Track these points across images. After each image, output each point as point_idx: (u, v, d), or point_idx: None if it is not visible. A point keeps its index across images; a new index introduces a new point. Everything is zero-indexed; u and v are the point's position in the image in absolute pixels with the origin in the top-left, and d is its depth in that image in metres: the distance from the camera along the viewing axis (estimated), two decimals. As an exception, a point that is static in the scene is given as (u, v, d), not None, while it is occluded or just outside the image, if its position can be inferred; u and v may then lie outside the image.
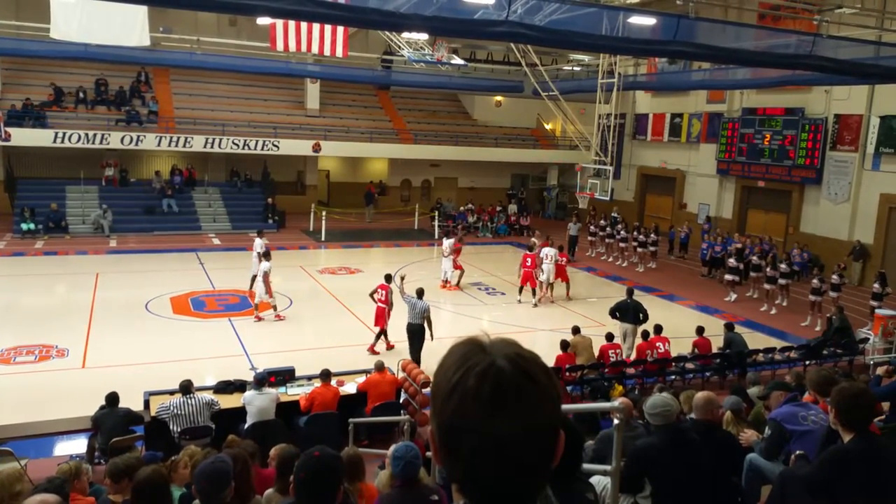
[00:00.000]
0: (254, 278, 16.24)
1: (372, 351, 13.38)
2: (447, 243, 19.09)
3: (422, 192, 33.75)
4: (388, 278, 14.07)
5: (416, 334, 12.49)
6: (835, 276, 17.20)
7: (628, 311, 13.60)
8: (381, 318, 13.58)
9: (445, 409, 1.17)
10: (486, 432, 1.13)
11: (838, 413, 3.61)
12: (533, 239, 19.84)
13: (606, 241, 25.03)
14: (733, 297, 19.03)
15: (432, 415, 1.23)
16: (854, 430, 3.56)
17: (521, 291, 18.07)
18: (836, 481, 3.49)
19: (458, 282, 19.16)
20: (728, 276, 19.48)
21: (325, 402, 9.40)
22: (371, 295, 13.73)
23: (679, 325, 13.50)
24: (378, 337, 13.66)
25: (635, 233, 23.50)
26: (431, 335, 12.48)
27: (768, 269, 18.36)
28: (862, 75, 14.76)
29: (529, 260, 17.94)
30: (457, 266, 19.11)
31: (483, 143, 31.90)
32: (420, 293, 12.74)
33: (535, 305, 17.73)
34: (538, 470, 1.19)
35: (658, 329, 12.85)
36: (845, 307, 15.71)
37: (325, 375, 9.65)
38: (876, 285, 16.71)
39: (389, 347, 13.61)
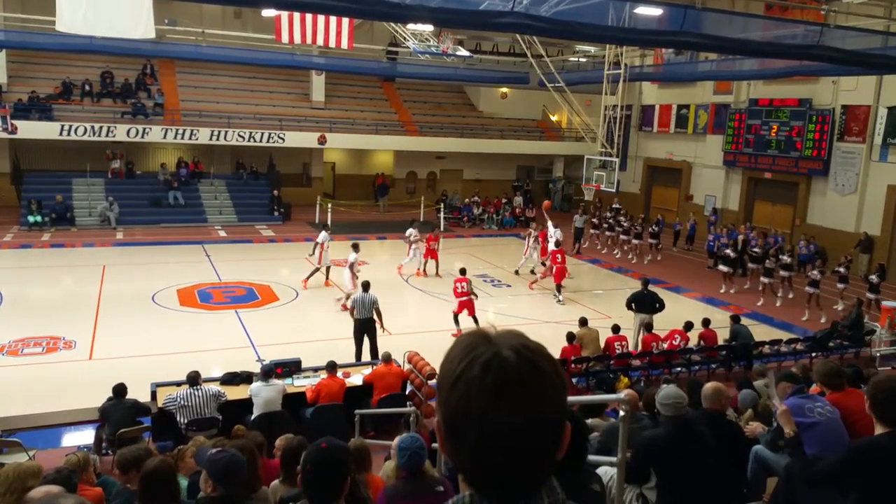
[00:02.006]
0: (328, 269, 17.55)
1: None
2: (410, 231, 19.65)
3: (427, 185, 33.72)
4: (463, 271, 15.01)
5: (364, 328, 12.28)
6: (841, 269, 17.12)
7: (645, 302, 13.62)
8: (463, 306, 14.25)
9: (450, 398, 1.18)
10: (490, 421, 1.14)
11: (873, 405, 3.54)
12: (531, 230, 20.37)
13: (607, 233, 24.84)
14: (731, 289, 18.93)
15: (437, 405, 1.24)
16: (888, 425, 3.48)
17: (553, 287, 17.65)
18: (861, 474, 3.42)
19: (424, 267, 19.35)
20: (722, 267, 19.37)
21: (332, 393, 9.43)
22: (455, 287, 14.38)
23: (685, 317, 13.47)
24: (457, 321, 14.18)
25: (635, 225, 23.38)
26: (382, 327, 12.40)
27: (767, 262, 18.20)
28: (870, 65, 14.66)
29: (560, 256, 17.36)
30: (430, 254, 19.19)
31: (488, 135, 31.82)
32: (366, 286, 12.49)
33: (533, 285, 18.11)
34: (543, 460, 1.20)
35: (688, 326, 12.84)
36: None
37: (331, 367, 9.68)
38: (873, 277, 16.70)
39: None
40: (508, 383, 1.15)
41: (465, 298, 14.24)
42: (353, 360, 11.14)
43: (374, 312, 12.31)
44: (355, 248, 15.77)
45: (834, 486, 3.73)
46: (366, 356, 12.16)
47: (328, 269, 17.79)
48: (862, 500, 3.39)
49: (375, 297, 12.39)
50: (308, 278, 17.52)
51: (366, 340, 12.38)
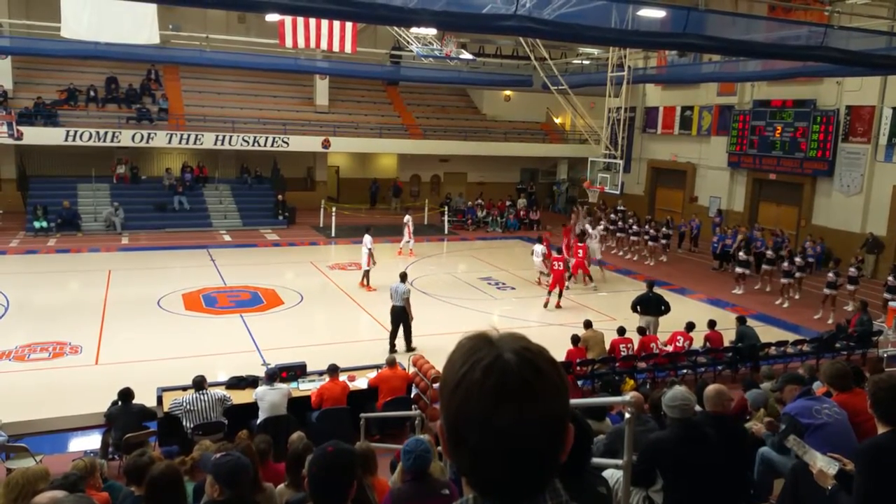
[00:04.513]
0: (366, 273, 18.05)
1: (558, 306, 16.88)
2: (408, 217, 22.57)
3: (431, 188, 33.74)
4: (560, 251, 17.51)
5: (398, 316, 13.34)
6: (852, 269, 17.08)
7: (650, 304, 13.63)
8: (556, 281, 16.88)
9: (452, 402, 1.18)
10: (492, 425, 1.14)
11: (874, 404, 3.51)
12: (585, 226, 20.42)
13: (617, 234, 24.99)
14: (741, 290, 18.92)
15: (440, 408, 1.24)
16: (889, 424, 3.45)
17: (569, 278, 18.36)
18: (866, 474, 3.40)
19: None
20: (738, 269, 19.37)
21: (335, 396, 9.42)
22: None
23: (691, 318, 13.45)
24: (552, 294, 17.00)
25: (647, 227, 23.45)
26: (411, 316, 13.41)
27: (785, 263, 18.25)
28: (874, 66, 14.63)
29: (581, 251, 18.49)
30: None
31: (492, 138, 31.84)
32: (403, 277, 13.58)
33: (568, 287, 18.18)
34: (545, 462, 1.20)
35: (689, 327, 12.83)
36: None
37: (333, 370, 9.65)
38: (890, 277, 16.60)
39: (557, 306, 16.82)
40: (510, 387, 1.15)
41: (560, 268, 16.84)
42: (356, 363, 11.12)
43: (405, 302, 13.24)
44: (539, 240, 19.16)
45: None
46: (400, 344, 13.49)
47: (367, 272, 17.99)
48: (867, 501, 3.37)
49: (408, 287, 13.44)
50: (367, 283, 17.90)
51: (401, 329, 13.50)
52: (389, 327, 13.50)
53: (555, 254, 17.45)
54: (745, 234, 21.57)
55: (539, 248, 18.99)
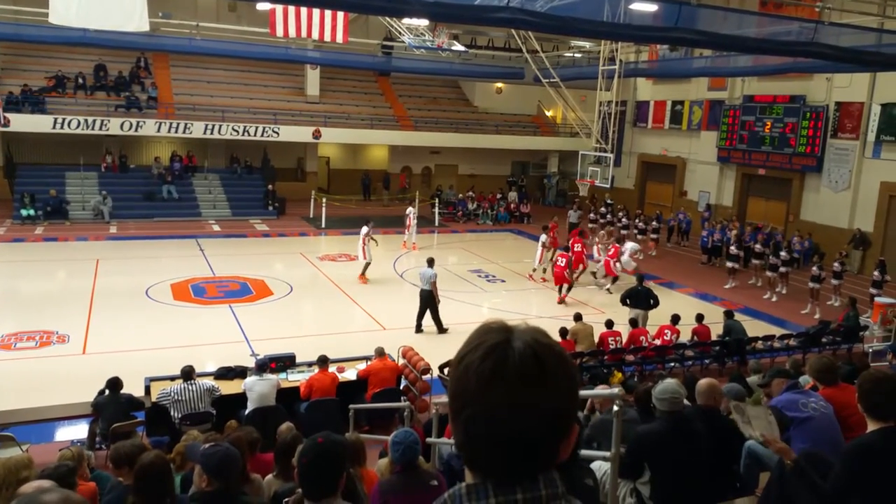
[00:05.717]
0: (366, 266, 18.00)
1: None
2: (410, 210, 22.58)
3: (422, 180, 33.69)
4: (582, 233, 19.02)
5: (424, 299, 13.95)
6: (836, 264, 17.22)
7: (640, 298, 13.70)
8: (579, 261, 17.87)
9: (454, 375, 1.24)
10: (480, 405, 1.18)
11: (860, 397, 3.50)
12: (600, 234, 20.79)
13: (607, 228, 25.07)
14: (732, 283, 19.05)
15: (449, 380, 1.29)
16: (876, 419, 3.42)
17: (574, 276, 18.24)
18: (861, 477, 3.38)
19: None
20: (728, 264, 19.50)
21: (324, 388, 9.42)
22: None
23: (679, 312, 13.52)
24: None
25: (636, 220, 23.54)
26: (438, 299, 13.98)
27: (771, 257, 18.40)
28: (863, 63, 14.68)
29: (579, 245, 18.52)
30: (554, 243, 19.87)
31: (484, 130, 31.81)
32: (430, 262, 14.15)
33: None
34: (535, 452, 1.21)
35: (675, 319, 12.91)
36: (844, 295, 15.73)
37: (323, 361, 9.65)
38: (876, 273, 16.75)
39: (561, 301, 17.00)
40: (504, 372, 1.18)
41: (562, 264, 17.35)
42: (345, 354, 11.12)
43: (433, 286, 13.76)
44: (545, 229, 19.42)
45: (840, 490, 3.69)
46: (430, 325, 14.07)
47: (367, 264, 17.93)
48: (860, 500, 3.39)
49: (434, 272, 13.93)
50: (363, 274, 17.92)
51: (428, 312, 14.06)
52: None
53: (560, 251, 17.68)
54: (738, 228, 21.65)
55: (543, 238, 19.16)
